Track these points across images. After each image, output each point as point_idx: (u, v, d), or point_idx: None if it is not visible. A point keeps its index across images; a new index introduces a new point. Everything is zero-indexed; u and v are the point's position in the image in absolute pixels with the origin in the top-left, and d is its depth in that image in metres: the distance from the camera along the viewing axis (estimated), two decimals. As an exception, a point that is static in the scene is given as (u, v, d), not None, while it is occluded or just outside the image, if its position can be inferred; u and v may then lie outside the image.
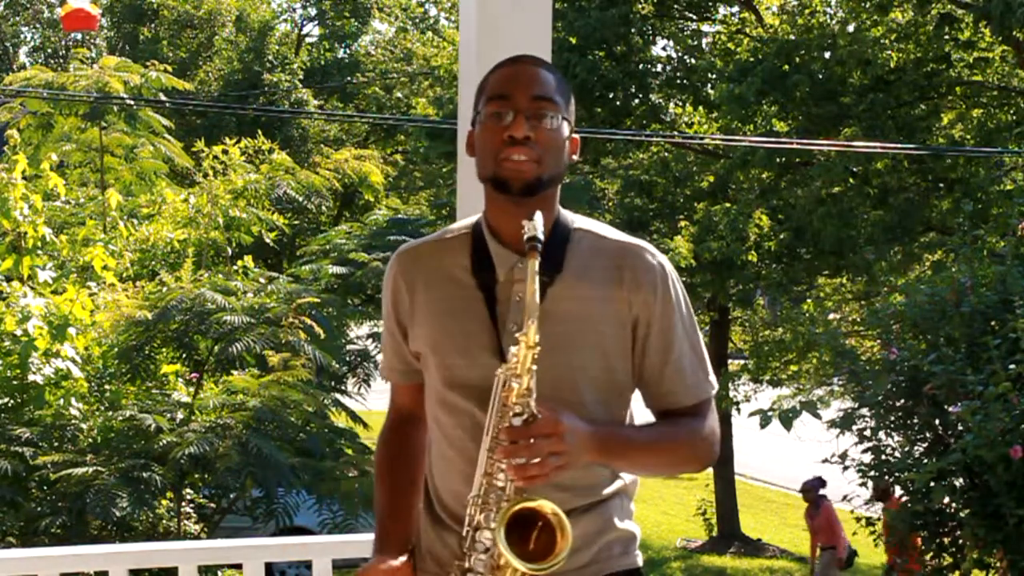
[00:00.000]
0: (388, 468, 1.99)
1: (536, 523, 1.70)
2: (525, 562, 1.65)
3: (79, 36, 23.75)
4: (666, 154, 14.40)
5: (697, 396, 1.88)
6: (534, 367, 1.67)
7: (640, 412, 1.93)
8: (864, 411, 7.32)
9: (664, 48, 23.85)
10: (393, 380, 2.01)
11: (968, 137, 12.94)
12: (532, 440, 1.66)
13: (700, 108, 13.90)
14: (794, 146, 12.14)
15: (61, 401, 5.78)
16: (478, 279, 1.84)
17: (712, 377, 1.92)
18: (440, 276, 1.88)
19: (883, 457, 7.23)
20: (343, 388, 8.21)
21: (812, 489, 9.66)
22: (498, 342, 1.78)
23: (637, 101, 13.57)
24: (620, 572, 1.88)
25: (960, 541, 6.85)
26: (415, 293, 1.89)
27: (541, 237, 1.69)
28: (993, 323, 6.67)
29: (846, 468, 7.35)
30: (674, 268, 1.92)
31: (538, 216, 1.71)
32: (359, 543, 3.15)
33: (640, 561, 1.94)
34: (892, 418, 7.15)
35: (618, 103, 13.23)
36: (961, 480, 6.66)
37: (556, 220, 1.86)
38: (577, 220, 1.90)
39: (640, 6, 13.27)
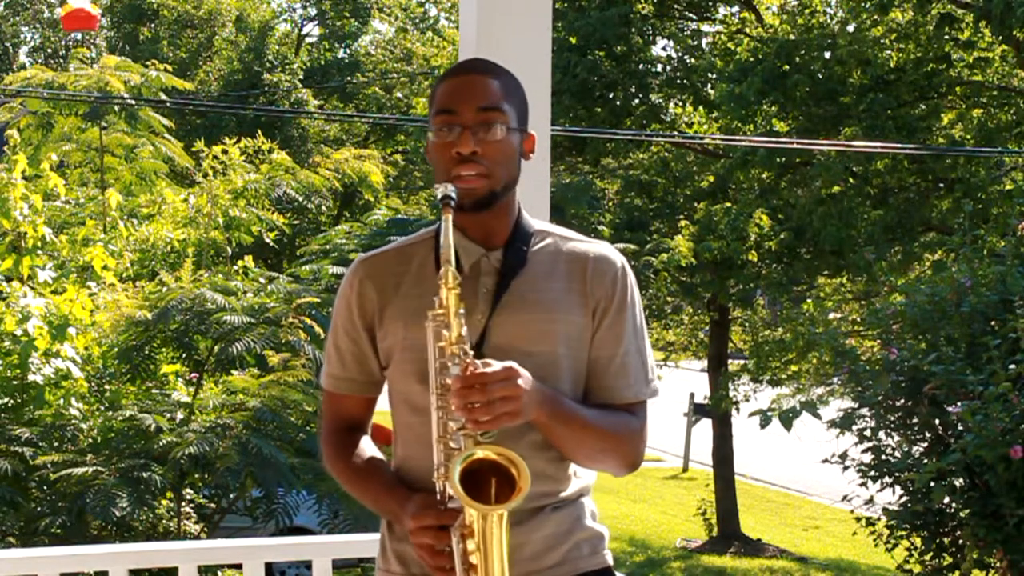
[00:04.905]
0: (355, 458, 1.91)
1: (490, 479, 1.67)
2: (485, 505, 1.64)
3: (79, 36, 23.77)
4: (666, 154, 14.40)
5: (635, 395, 1.89)
6: (461, 311, 1.68)
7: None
8: (864, 411, 7.31)
9: (664, 48, 23.88)
10: (343, 391, 1.94)
11: (968, 137, 12.93)
12: (485, 384, 1.65)
13: (700, 108, 13.89)
14: (794, 146, 12.14)
15: (61, 401, 5.78)
16: None
17: (654, 384, 1.93)
18: (408, 276, 1.88)
19: (883, 457, 7.22)
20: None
21: None
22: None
23: (637, 101, 13.56)
24: (590, 572, 1.88)
25: (960, 541, 6.84)
26: (385, 294, 1.88)
27: (454, 196, 1.73)
28: (993, 323, 6.66)
29: (846, 468, 7.34)
30: (634, 275, 1.94)
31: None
32: (359, 543, 3.16)
33: (610, 560, 1.93)
34: (892, 418, 7.14)
35: (618, 103, 13.23)
36: (961, 480, 6.64)
37: (518, 221, 1.88)
38: (536, 223, 1.92)
39: (640, 6, 13.26)
